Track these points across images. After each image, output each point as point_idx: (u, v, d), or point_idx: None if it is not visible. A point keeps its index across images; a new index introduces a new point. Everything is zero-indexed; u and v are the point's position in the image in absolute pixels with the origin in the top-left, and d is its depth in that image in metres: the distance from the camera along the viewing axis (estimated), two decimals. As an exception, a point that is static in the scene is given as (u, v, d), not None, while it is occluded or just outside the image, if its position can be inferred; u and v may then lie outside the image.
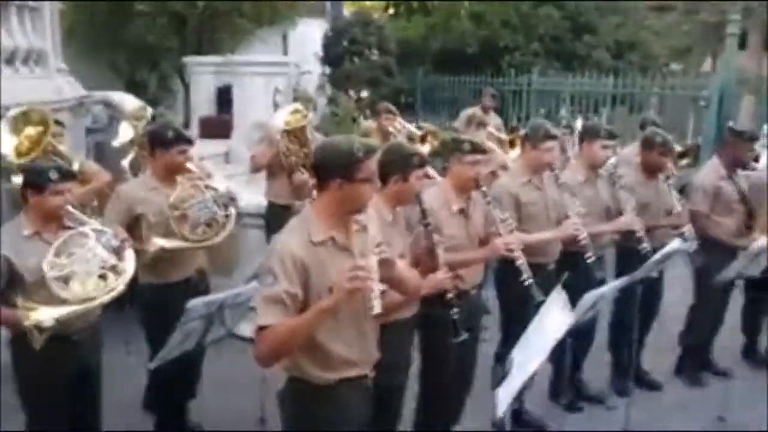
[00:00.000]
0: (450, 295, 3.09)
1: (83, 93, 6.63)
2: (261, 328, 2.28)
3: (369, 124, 6.01)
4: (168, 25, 11.25)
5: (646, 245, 4.19)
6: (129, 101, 6.78)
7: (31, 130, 4.64)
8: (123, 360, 4.52)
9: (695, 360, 5.11)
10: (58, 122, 4.93)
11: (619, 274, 4.46)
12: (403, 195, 3.13)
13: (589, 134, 4.43)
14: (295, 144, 5.59)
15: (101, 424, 3.48)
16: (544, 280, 3.93)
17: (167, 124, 4.41)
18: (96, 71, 10.51)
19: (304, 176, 5.53)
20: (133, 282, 3.37)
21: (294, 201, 5.53)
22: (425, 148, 5.88)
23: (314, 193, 2.58)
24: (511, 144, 5.97)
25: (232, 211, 4.06)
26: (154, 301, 3.84)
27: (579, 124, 11.31)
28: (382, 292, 2.32)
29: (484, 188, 3.60)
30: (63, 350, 3.08)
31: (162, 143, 3.87)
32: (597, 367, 4.90)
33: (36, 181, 3.09)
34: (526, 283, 3.52)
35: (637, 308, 4.21)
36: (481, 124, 6.05)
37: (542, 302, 3.26)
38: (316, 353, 2.42)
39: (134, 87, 11.67)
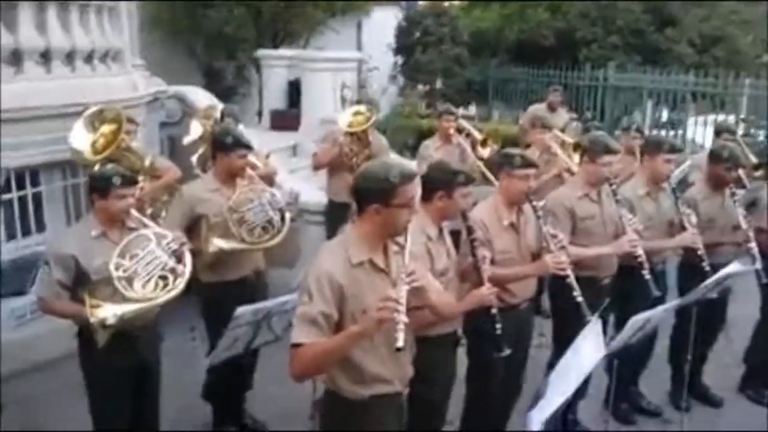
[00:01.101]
0: (494, 311, 3.10)
1: (158, 88, 6.90)
2: (295, 345, 2.36)
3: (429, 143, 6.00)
4: (245, 15, 11.49)
5: (705, 263, 4.05)
6: (201, 97, 7.02)
7: (105, 129, 4.88)
8: (187, 345, 4.75)
9: (760, 378, 4.92)
10: (131, 120, 5.17)
11: (681, 290, 4.36)
12: (447, 211, 3.17)
13: (651, 147, 4.30)
14: (357, 145, 5.68)
15: (159, 416, 3.67)
16: (597, 294, 3.90)
17: (228, 129, 4.57)
18: (175, 59, 10.90)
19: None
20: (194, 278, 3.54)
21: (353, 200, 5.61)
22: (485, 152, 5.84)
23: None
24: (575, 148, 5.82)
25: (288, 216, 4.18)
26: (213, 298, 4.01)
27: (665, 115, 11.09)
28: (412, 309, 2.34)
29: (534, 203, 3.57)
30: (123, 345, 3.25)
31: (222, 147, 4.04)
32: (658, 381, 4.81)
33: (100, 186, 3.28)
34: (577, 300, 3.47)
35: (697, 322, 4.12)
36: (546, 127, 5.92)
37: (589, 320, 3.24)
38: (349, 369, 2.49)
39: (212, 75, 12.07)
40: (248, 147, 4.18)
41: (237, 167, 4.09)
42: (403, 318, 2.22)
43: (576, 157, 5.69)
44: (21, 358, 4.75)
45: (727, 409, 4.77)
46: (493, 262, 3.39)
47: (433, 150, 5.81)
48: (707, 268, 3.99)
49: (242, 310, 2.96)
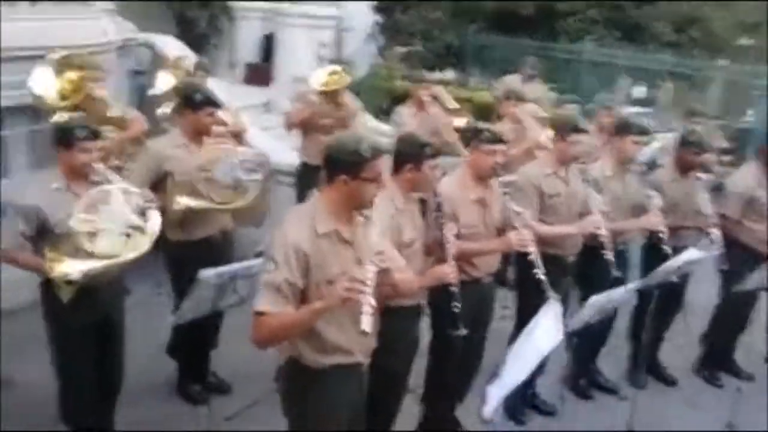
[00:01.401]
0: (454, 289, 3.13)
1: (129, 35, 6.68)
2: (259, 313, 2.36)
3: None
4: (220, -37, 11.12)
5: (666, 247, 4.13)
6: (172, 46, 6.82)
7: (72, 75, 4.74)
8: (154, 299, 4.72)
9: (715, 360, 5.08)
10: (98, 67, 5.00)
11: (644, 271, 4.45)
12: (415, 183, 3.18)
13: (620, 129, 4.34)
14: (330, 106, 5.60)
15: (123, 371, 3.66)
16: (561, 272, 3.99)
17: (197, 85, 4.47)
18: (148, 6, 10.54)
19: (336, 139, 5.56)
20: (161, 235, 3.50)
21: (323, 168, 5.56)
22: (461, 121, 5.82)
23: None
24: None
25: (258, 176, 4.12)
26: (179, 256, 3.97)
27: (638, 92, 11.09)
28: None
29: (501, 179, 3.59)
30: (87, 300, 3.20)
31: (190, 104, 3.94)
32: (617, 358, 4.95)
33: (64, 138, 3.20)
34: (538, 277, 3.52)
35: (657, 304, 4.23)
36: (519, 99, 5.91)
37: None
38: (311, 338, 2.51)
39: (184, 22, 11.68)
40: (217, 105, 4.09)
41: (205, 125, 4.00)
42: (369, 300, 2.23)
43: (549, 132, 5.72)
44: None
45: (679, 389, 4.92)
46: (458, 236, 3.42)
47: (407, 117, 5.77)
48: (668, 251, 4.08)
49: (206, 273, 2.94)
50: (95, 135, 3.31)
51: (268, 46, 9.41)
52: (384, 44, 13.02)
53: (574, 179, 4.09)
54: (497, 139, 3.50)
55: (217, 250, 4.04)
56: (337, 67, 5.71)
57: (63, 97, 4.73)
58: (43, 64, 4.72)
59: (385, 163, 2.52)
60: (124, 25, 6.97)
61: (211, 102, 4.00)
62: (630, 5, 12.21)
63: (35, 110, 5.15)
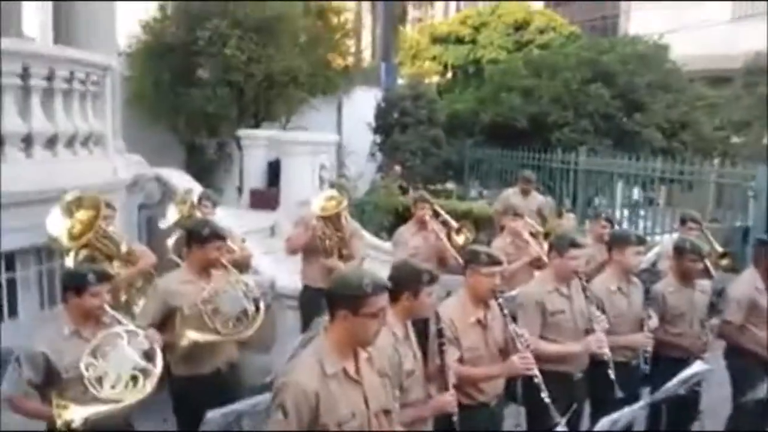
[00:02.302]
0: (455, 418, 3.11)
1: (138, 171, 6.98)
2: None
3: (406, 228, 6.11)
4: (227, 94, 11.71)
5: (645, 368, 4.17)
6: (179, 179, 7.09)
7: (83, 215, 4.92)
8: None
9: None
10: (108, 205, 5.21)
11: (652, 383, 4.39)
12: (413, 310, 3.20)
13: (618, 242, 4.44)
14: (330, 229, 5.75)
15: None
16: (569, 390, 3.95)
17: (203, 221, 4.63)
18: (157, 136, 11.03)
19: (336, 261, 5.68)
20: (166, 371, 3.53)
21: (328, 285, 5.63)
22: (460, 239, 5.94)
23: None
24: (546, 236, 5.97)
25: (263, 305, 4.19)
26: (185, 392, 3.98)
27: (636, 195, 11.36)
28: None
29: (500, 300, 3.64)
30: None
31: (198, 239, 4.08)
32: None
33: (75, 284, 3.31)
34: (545, 401, 3.50)
35: (671, 417, 4.18)
36: (517, 215, 6.07)
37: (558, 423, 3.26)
38: None
39: (193, 151, 12.22)
40: (223, 238, 4.22)
41: (212, 259, 4.12)
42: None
43: (546, 245, 5.83)
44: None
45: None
46: (461, 359, 3.44)
47: (408, 236, 5.90)
48: (646, 372, 4.11)
49: (212, 415, 2.95)
50: (105, 278, 3.42)
51: (272, 172, 9.75)
52: (384, 162, 13.49)
53: (576, 294, 4.13)
54: (494, 262, 3.58)
55: (224, 384, 4.04)
56: (335, 192, 5.90)
57: (74, 237, 4.88)
58: (57, 206, 4.92)
59: (386, 299, 2.58)
60: (133, 160, 7.31)
61: (218, 236, 4.13)
62: (620, 115, 12.67)
63: (48, 249, 5.32)
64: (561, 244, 4.13)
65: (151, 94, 11.64)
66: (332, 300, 2.54)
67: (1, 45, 5.08)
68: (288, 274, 6.60)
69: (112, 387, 3.20)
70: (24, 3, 8.62)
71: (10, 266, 5.25)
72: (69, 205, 4.89)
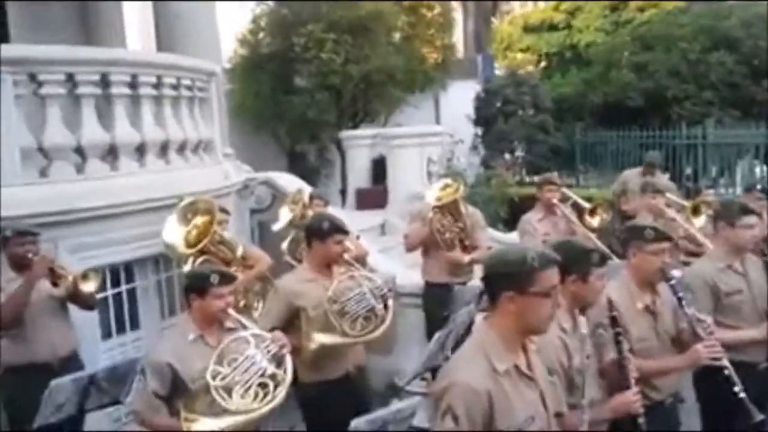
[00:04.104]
0: (641, 420, 2.62)
1: (248, 176, 6.89)
2: None
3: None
4: (326, 99, 11.68)
5: None
6: (289, 181, 6.94)
7: (198, 220, 4.83)
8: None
9: None
10: (222, 209, 5.09)
11: None
12: (581, 297, 2.74)
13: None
14: (448, 219, 5.37)
15: None
16: (753, 383, 3.34)
17: (323, 214, 4.37)
18: (260, 145, 11.14)
19: (460, 253, 5.30)
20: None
21: (451, 279, 5.29)
22: (595, 221, 5.39)
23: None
24: (695, 211, 5.30)
25: (391, 302, 3.86)
26: (314, 399, 3.71)
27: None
28: None
29: (673, 281, 3.11)
30: None
31: (318, 235, 3.82)
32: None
33: (198, 286, 3.11)
34: (739, 396, 2.94)
35: None
36: (657, 191, 5.44)
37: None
38: None
39: (295, 157, 12.25)
40: (345, 231, 3.94)
41: (334, 254, 3.86)
42: None
43: (696, 221, 5.19)
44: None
45: None
46: (630, 352, 2.95)
47: (535, 222, 5.41)
48: None
49: (357, 423, 2.63)
50: (229, 279, 3.21)
51: (377, 169, 9.50)
52: (486, 154, 12.98)
53: (754, 271, 3.53)
54: (662, 237, 3.08)
55: (354, 389, 3.79)
56: (449, 180, 5.51)
57: (190, 244, 4.78)
58: (172, 213, 4.84)
59: (556, 275, 2.15)
60: (242, 167, 7.23)
61: (339, 229, 3.86)
62: (746, 83, 11.57)
63: (165, 258, 5.25)
64: (730, 213, 3.56)
65: (252, 104, 11.79)
66: (493, 281, 2.16)
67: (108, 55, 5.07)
68: (405, 271, 6.28)
69: (242, 396, 2.94)
70: (126, 18, 8.79)
71: (129, 277, 5.19)
72: (184, 211, 4.82)
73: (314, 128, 11.77)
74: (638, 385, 2.79)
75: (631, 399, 2.62)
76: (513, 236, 6.74)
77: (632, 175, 7.54)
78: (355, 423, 2.66)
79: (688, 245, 5.10)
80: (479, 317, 2.34)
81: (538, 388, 2.14)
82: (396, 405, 2.90)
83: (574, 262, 2.67)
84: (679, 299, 3.08)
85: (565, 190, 5.62)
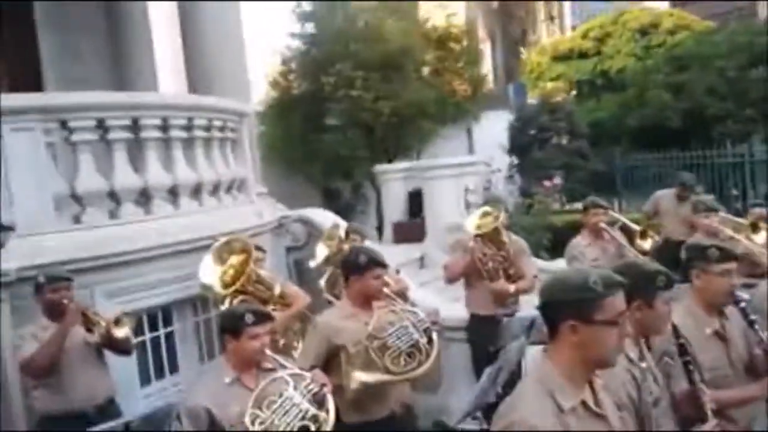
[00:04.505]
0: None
1: (282, 213, 6.80)
2: None
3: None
4: (358, 135, 11.67)
5: None
6: (323, 218, 6.83)
7: (234, 260, 4.74)
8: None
9: None
10: (258, 248, 4.99)
11: None
12: (647, 324, 2.51)
13: None
14: (490, 248, 5.17)
15: None
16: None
17: (359, 248, 4.22)
18: (294, 185, 11.15)
19: (504, 283, 5.08)
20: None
21: (497, 311, 5.07)
22: (646, 244, 5.14)
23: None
24: (754, 228, 5.01)
25: (435, 336, 3.66)
26: (357, 442, 3.49)
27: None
28: None
29: (743, 304, 2.87)
30: None
31: (355, 269, 3.67)
32: None
33: (232, 326, 2.98)
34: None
35: None
36: (711, 210, 5.16)
37: None
38: None
39: (329, 195, 12.24)
40: (383, 264, 3.78)
41: (373, 289, 3.68)
42: None
43: (757, 238, 4.90)
44: None
45: None
46: (702, 381, 2.69)
47: (584, 247, 5.17)
48: None
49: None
50: (264, 318, 3.06)
51: (414, 202, 9.37)
52: (524, 182, 12.77)
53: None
54: (729, 256, 2.85)
55: (400, 428, 3.59)
56: (488, 208, 5.32)
57: (227, 284, 4.69)
58: (208, 254, 4.76)
59: (623, 301, 1.95)
60: (276, 205, 7.16)
61: (377, 262, 3.70)
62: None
63: (202, 300, 5.16)
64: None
65: (285, 145, 11.87)
66: (552, 310, 1.97)
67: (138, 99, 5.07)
68: (447, 304, 6.06)
69: (281, 441, 2.76)
70: (157, 49, 8.91)
71: (167, 320, 5.10)
72: (220, 251, 4.74)
73: (347, 165, 11.81)
74: (716, 417, 2.53)
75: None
76: (559, 264, 6.50)
77: (666, 196, 7.22)
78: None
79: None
80: (532, 350, 2.12)
81: (608, 426, 1.91)
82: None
83: (640, 285, 2.44)
84: (751, 322, 2.83)
85: (612, 212, 5.39)
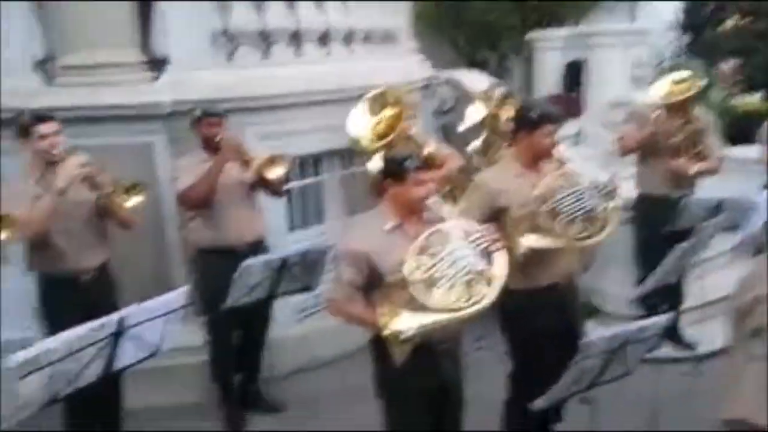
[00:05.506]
0: None
1: (431, 74, 6.40)
2: None
3: None
4: (508, 3, 10.83)
5: None
6: (477, 80, 6.36)
7: (387, 112, 4.52)
8: (472, 354, 4.06)
9: None
10: (410, 105, 4.71)
11: None
12: None
13: None
14: (676, 121, 4.55)
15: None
16: None
17: (533, 101, 3.80)
18: (439, 53, 10.59)
19: (686, 162, 4.50)
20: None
21: (672, 192, 4.52)
22: None
23: None
24: None
25: (616, 203, 3.24)
26: (520, 308, 3.22)
27: None
28: None
29: None
30: (424, 363, 2.66)
31: (526, 125, 3.29)
32: None
33: (397, 170, 2.73)
34: None
35: None
36: None
37: None
38: None
39: (474, 66, 11.58)
40: (557, 121, 3.37)
41: (544, 147, 3.30)
42: None
43: None
44: (302, 354, 4.50)
45: None
46: None
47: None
48: None
49: (596, 337, 2.12)
50: (428, 166, 2.79)
51: (571, 74, 8.58)
52: (697, 65, 11.47)
53: None
54: None
55: (562, 299, 3.30)
56: (684, 74, 4.64)
57: (377, 137, 4.48)
58: (358, 105, 4.53)
59: None
60: (424, 65, 6.74)
61: (551, 118, 3.29)
62: None
63: (349, 154, 4.99)
64: None
65: (432, 11, 11.24)
66: None
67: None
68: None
69: (445, 293, 2.53)
70: None
71: (316, 169, 5.01)
72: (373, 102, 4.55)
73: (495, 34, 11.04)
74: None
75: None
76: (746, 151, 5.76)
77: None
78: (594, 338, 2.16)
79: None
80: None
81: None
82: (638, 323, 2.34)
83: None
84: None
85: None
